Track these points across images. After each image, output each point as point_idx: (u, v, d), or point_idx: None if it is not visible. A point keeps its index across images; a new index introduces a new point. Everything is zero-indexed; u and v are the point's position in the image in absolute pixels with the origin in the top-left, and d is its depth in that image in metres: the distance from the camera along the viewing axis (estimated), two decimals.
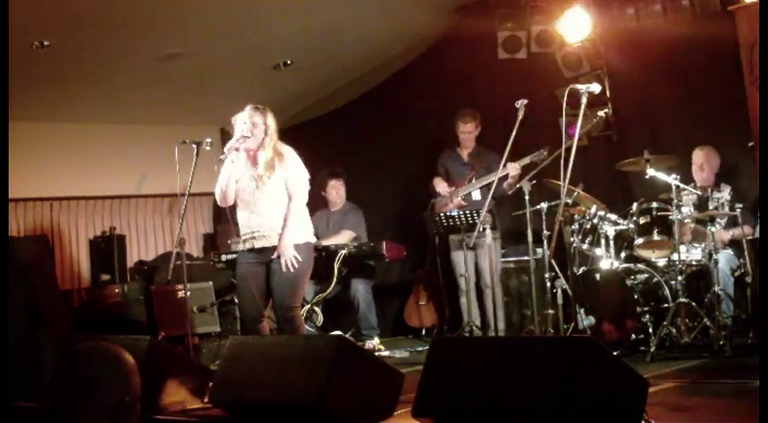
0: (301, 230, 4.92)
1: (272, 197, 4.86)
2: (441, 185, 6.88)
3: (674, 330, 5.30)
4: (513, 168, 6.16)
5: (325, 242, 6.78)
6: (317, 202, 7.12)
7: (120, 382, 2.87)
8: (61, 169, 8.10)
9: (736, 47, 4.89)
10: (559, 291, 5.70)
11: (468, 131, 6.81)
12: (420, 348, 6.71)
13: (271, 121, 4.88)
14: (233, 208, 5.00)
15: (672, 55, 6.53)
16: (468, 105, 6.93)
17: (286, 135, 5.05)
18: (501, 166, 5.53)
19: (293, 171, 4.91)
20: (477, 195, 6.70)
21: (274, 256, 4.82)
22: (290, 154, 4.94)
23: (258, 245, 4.87)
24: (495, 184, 5.70)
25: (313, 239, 5.04)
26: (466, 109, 6.86)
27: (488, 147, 6.82)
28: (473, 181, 6.73)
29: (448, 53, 7.67)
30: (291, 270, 4.80)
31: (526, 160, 6.19)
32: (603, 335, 5.50)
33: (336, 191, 7.21)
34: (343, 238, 6.91)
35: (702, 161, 6.01)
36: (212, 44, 7.01)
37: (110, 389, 2.85)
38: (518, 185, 5.95)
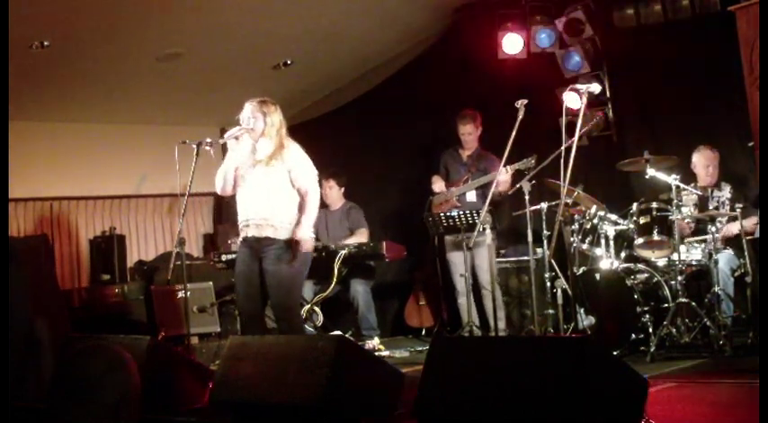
0: (309, 229, 4.93)
1: (270, 187, 4.86)
2: (437, 184, 6.88)
3: (674, 330, 5.30)
4: (503, 174, 6.06)
5: (347, 242, 6.78)
6: None
7: (120, 382, 2.87)
8: (61, 169, 8.11)
9: (736, 47, 4.89)
10: (559, 291, 5.71)
11: (467, 132, 6.80)
12: (420, 348, 6.70)
13: (274, 112, 4.91)
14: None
15: (672, 55, 6.53)
16: (467, 105, 6.93)
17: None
18: (501, 169, 5.54)
19: (296, 165, 4.91)
20: (471, 197, 6.71)
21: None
22: (293, 147, 4.95)
23: (251, 233, 4.86)
24: (493, 188, 5.70)
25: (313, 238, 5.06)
26: (466, 110, 6.85)
27: (488, 150, 6.81)
28: (468, 182, 6.73)
29: (448, 53, 7.66)
30: (293, 266, 4.82)
31: (516, 166, 6.16)
32: (603, 335, 5.50)
33: (329, 190, 7.19)
34: (361, 238, 6.93)
35: (709, 161, 6.01)
36: (212, 44, 7.01)
37: (110, 389, 2.84)
38: (518, 185, 5.94)
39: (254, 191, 4.87)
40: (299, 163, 4.94)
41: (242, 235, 4.95)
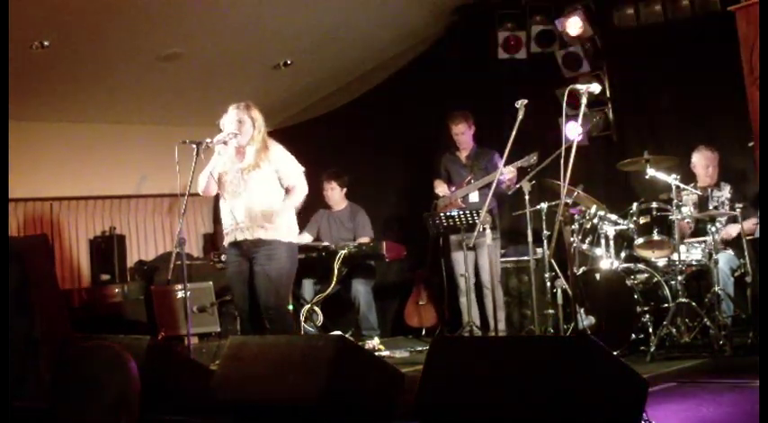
0: (288, 230, 4.93)
1: (261, 190, 4.87)
2: (440, 188, 6.88)
3: (674, 330, 5.30)
4: (509, 172, 6.12)
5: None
6: (316, 203, 7.13)
7: (120, 381, 2.87)
8: (61, 169, 8.10)
9: (736, 47, 4.89)
10: (559, 291, 5.71)
11: (460, 132, 6.80)
12: (420, 348, 6.70)
13: (257, 115, 4.94)
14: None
15: (672, 55, 6.54)
16: (467, 106, 6.93)
17: (286, 135, 5.08)
18: (500, 169, 5.54)
19: (282, 164, 4.94)
20: (474, 197, 6.70)
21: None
22: (276, 147, 4.98)
23: (240, 237, 4.87)
24: (494, 185, 5.69)
25: (297, 240, 5.07)
26: (456, 110, 6.85)
27: (487, 147, 6.82)
28: (471, 183, 6.72)
29: (448, 53, 7.67)
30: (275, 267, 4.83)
31: (517, 164, 6.17)
32: (603, 335, 5.50)
33: (330, 191, 7.19)
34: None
35: (709, 162, 6.01)
36: (212, 44, 7.01)
37: (109, 388, 2.84)
38: (518, 185, 5.95)
39: (244, 194, 4.87)
40: (284, 161, 4.97)
41: (229, 238, 4.94)
